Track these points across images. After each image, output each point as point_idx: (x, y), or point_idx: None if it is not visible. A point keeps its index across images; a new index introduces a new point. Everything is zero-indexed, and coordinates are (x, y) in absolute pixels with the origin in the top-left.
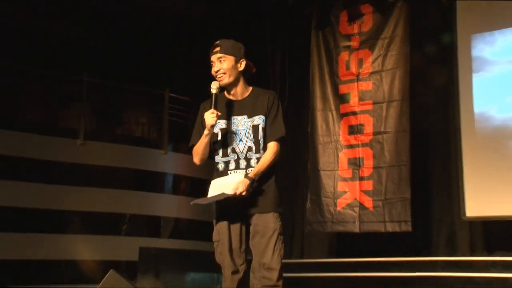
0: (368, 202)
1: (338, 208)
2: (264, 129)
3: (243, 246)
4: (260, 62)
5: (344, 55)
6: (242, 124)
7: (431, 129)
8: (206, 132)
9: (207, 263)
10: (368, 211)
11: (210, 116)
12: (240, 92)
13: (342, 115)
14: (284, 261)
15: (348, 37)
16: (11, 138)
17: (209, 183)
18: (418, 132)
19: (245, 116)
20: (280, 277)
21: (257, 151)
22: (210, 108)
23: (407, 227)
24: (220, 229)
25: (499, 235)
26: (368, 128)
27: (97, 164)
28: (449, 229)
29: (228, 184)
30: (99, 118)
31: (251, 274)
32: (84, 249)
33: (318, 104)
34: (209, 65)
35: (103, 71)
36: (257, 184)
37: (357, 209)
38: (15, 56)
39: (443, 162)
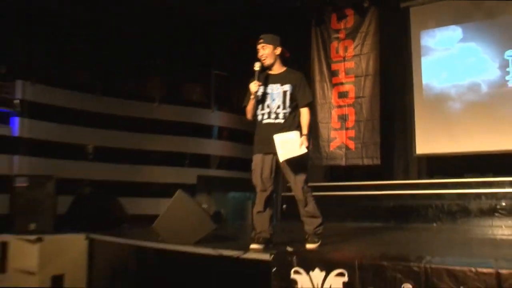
0: (351, 145)
1: (331, 149)
2: (291, 94)
3: (273, 174)
4: None
5: (335, 44)
6: (276, 89)
7: (394, 95)
8: (252, 96)
9: (243, 185)
10: (351, 151)
11: (253, 85)
12: (277, 69)
13: (334, 85)
14: None
15: (337, 31)
16: (112, 103)
17: (244, 133)
18: (385, 97)
19: (278, 85)
20: (306, 184)
21: (284, 108)
22: (254, 80)
23: (377, 161)
24: (256, 160)
25: (437, 165)
26: (351, 94)
27: (168, 120)
28: (405, 162)
29: (292, 141)
30: (169, 88)
31: (291, 184)
32: (161, 175)
33: (317, 77)
34: (247, 52)
35: (171, 56)
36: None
37: (343, 149)
38: (111, 47)
39: (402, 118)
